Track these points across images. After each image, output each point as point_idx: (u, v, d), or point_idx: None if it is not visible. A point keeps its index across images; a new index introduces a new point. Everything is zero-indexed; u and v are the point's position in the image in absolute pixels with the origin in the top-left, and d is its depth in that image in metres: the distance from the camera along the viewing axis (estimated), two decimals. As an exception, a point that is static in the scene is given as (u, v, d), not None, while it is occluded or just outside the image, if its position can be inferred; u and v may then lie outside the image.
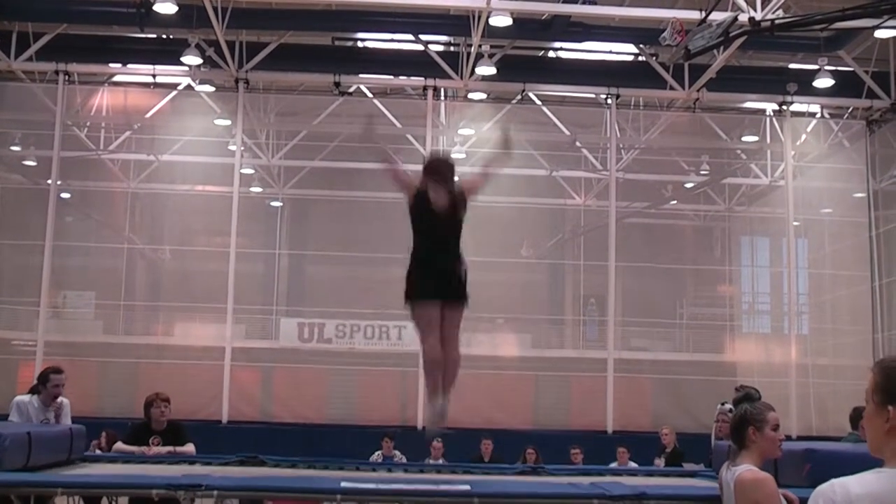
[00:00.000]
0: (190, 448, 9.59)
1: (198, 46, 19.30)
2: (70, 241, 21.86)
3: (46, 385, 9.10)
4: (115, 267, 22.74)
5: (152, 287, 24.29)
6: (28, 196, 22.46)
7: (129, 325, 23.06)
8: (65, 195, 22.17)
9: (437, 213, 7.49)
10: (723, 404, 10.13)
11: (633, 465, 15.59)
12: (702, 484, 7.82)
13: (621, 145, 22.73)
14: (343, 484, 6.58)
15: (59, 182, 20.89)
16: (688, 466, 13.17)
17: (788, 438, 5.98)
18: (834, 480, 2.77)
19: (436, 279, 7.45)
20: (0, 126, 22.50)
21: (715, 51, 16.91)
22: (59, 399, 9.26)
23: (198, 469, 8.24)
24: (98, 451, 12.75)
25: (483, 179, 8.07)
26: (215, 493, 6.16)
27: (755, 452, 5.37)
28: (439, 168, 7.75)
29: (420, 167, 7.85)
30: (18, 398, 9.13)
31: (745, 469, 5.27)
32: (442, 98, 21.87)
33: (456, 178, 7.84)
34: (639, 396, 21.50)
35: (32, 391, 9.20)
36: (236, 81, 20.46)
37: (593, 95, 21.85)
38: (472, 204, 7.81)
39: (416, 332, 7.66)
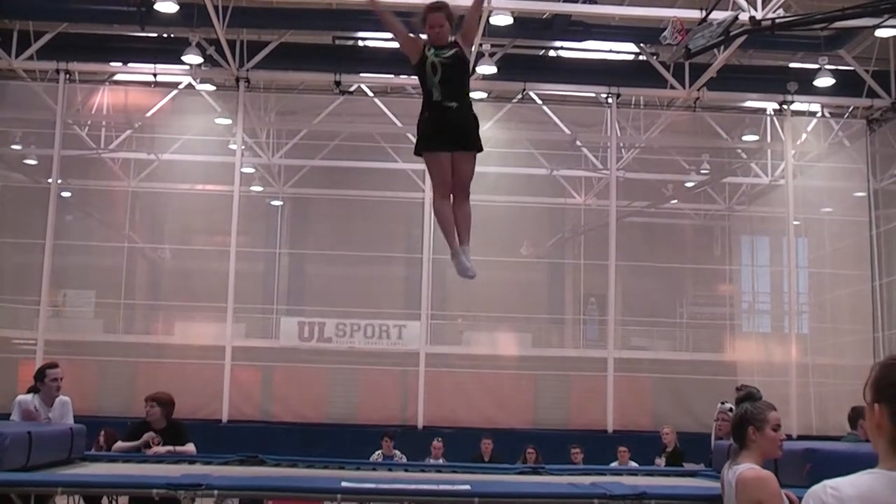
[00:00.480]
0: (190, 448, 9.58)
1: (198, 45, 19.29)
2: (70, 239, 21.87)
3: (45, 381, 9.09)
4: (115, 266, 22.72)
5: (152, 286, 24.28)
6: (29, 195, 22.46)
7: (130, 324, 23.07)
8: (65, 194, 22.17)
9: (439, 64, 7.65)
10: (723, 403, 10.13)
11: (633, 464, 15.59)
12: (703, 483, 7.82)
13: (622, 144, 22.72)
14: (343, 483, 6.58)
15: (59, 181, 20.90)
16: (688, 466, 13.18)
17: (789, 438, 5.97)
18: (826, 482, 2.77)
19: (443, 129, 7.68)
20: (1, 125, 22.52)
21: (715, 50, 16.92)
22: (61, 398, 9.25)
23: (198, 468, 8.24)
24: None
25: (475, 14, 8.20)
26: (216, 492, 6.16)
27: (756, 452, 5.37)
28: (435, 14, 7.74)
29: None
30: (20, 397, 9.13)
31: (747, 468, 5.26)
32: (442, 97, 21.80)
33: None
34: (639, 396, 21.51)
35: (32, 390, 9.20)
36: (237, 80, 20.46)
37: (594, 94, 21.84)
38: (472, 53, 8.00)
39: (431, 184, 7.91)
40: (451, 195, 7.93)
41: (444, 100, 7.64)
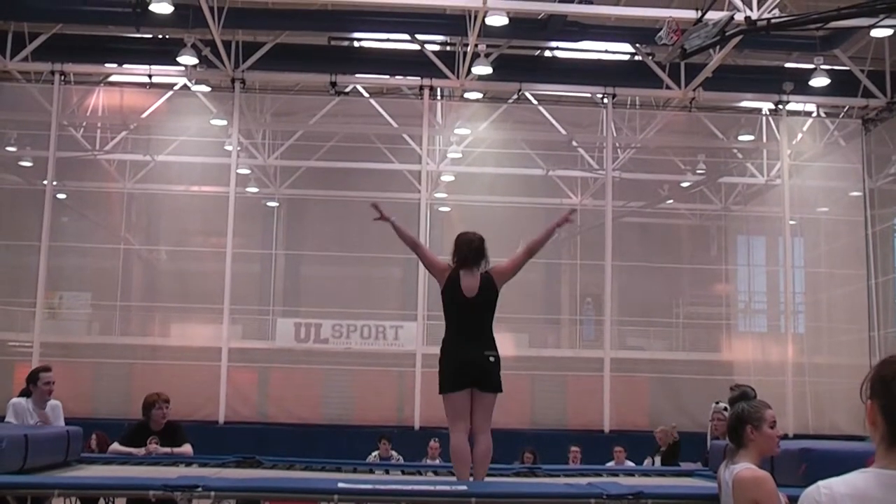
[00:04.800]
0: (187, 449, 9.57)
1: (194, 46, 19.27)
2: (66, 241, 21.84)
3: (37, 384, 9.07)
4: (111, 268, 22.71)
5: (148, 288, 24.25)
6: (24, 196, 22.44)
7: (126, 326, 23.03)
8: (60, 196, 22.15)
9: (467, 299, 7.49)
10: (717, 403, 10.14)
11: (630, 463, 15.61)
12: (699, 483, 7.83)
13: (617, 144, 22.73)
14: (340, 485, 6.58)
15: (54, 182, 20.88)
16: (684, 465, 13.19)
17: (785, 437, 5.98)
18: (820, 482, 2.79)
19: (466, 368, 7.38)
20: (-4, 126, 22.51)
21: (711, 50, 16.93)
22: (52, 401, 9.23)
23: (195, 470, 8.23)
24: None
25: (517, 264, 8.00)
26: (212, 494, 6.15)
27: (753, 451, 5.37)
28: (469, 253, 7.70)
29: (445, 252, 7.82)
30: (14, 400, 9.12)
31: (744, 468, 5.26)
32: (438, 97, 21.88)
33: (487, 261, 7.81)
34: (636, 395, 21.51)
35: (24, 393, 9.18)
36: (232, 81, 20.46)
37: (589, 95, 21.87)
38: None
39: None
40: (470, 431, 7.55)
41: (468, 338, 7.50)
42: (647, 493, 6.39)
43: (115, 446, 9.75)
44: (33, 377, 9.12)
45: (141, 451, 9.39)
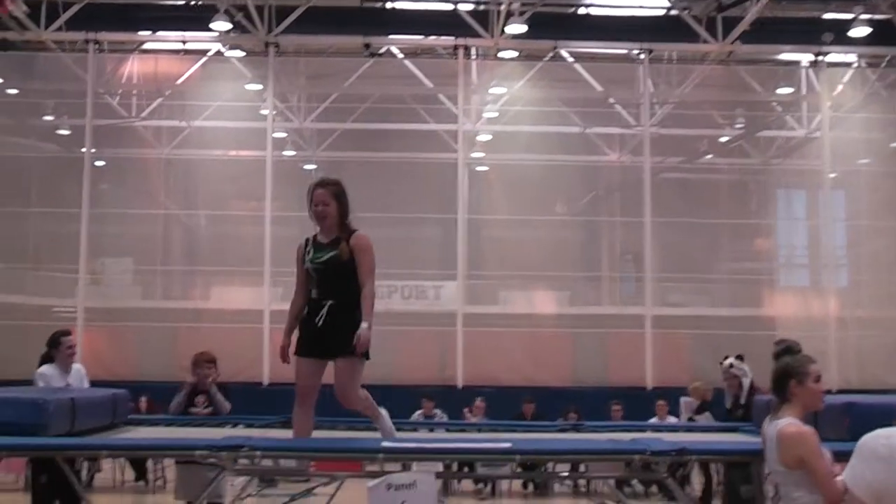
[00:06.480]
0: (226, 405, 9.64)
1: (227, 12, 19.28)
2: (106, 208, 21.98)
3: (59, 348, 9.04)
4: (151, 233, 22.86)
5: (189, 252, 24.35)
6: (63, 165, 22.60)
7: (168, 290, 23.22)
8: (99, 163, 22.29)
9: (313, 270, 7.08)
10: (724, 360, 10.10)
11: (672, 419, 15.63)
12: (743, 439, 7.81)
13: (655, 100, 22.56)
14: (384, 443, 6.61)
15: (92, 150, 21.02)
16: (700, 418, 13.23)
17: (828, 392, 5.93)
18: (879, 431, 2.74)
19: (312, 333, 7.09)
20: (32, 96, 22.65)
21: (748, 2, 16.74)
22: (76, 365, 9.19)
23: (240, 431, 8.31)
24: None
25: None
26: (258, 453, 6.20)
27: (798, 405, 5.34)
28: (319, 190, 7.10)
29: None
30: (40, 370, 9.03)
31: (788, 423, 5.23)
32: (473, 57, 21.77)
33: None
34: (677, 352, 21.43)
35: (46, 359, 9.12)
36: (266, 46, 20.46)
37: (626, 51, 21.69)
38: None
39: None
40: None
41: (321, 298, 7.02)
42: (690, 448, 6.38)
43: (173, 405, 9.74)
44: (54, 341, 9.04)
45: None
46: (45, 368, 9.04)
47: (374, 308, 7.16)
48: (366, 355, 7.11)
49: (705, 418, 13.24)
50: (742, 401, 9.81)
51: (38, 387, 8.78)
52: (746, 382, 9.87)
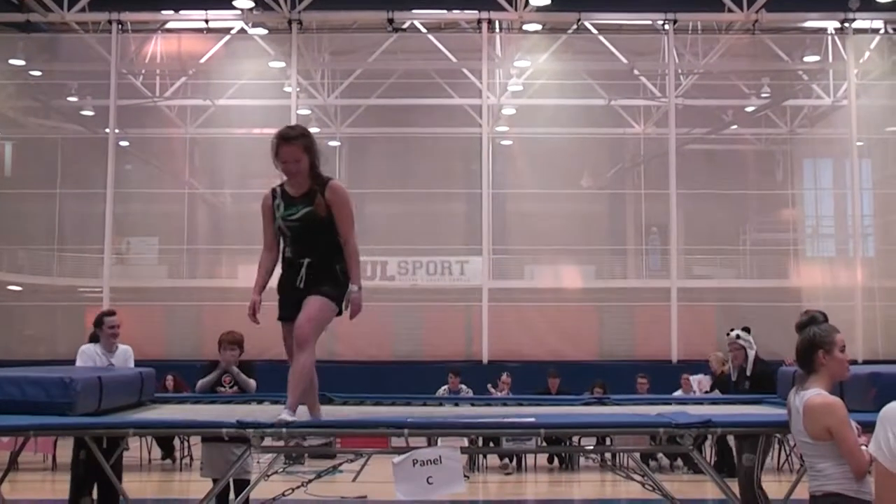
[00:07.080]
0: (252, 383, 9.68)
1: (249, -11, 19.27)
2: (131, 188, 22.08)
3: (102, 328, 9.15)
4: (176, 212, 22.92)
5: (214, 230, 24.42)
6: (87, 145, 22.70)
7: (193, 269, 23.28)
8: (123, 143, 22.38)
9: (286, 228, 6.73)
10: (729, 332, 10.07)
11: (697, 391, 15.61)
12: (768, 411, 7.77)
13: (680, 71, 22.44)
14: (410, 419, 6.61)
15: (117, 130, 21.09)
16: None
17: (854, 363, 5.90)
18: None
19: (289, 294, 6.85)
20: (56, 77, 22.75)
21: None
22: (123, 346, 9.30)
23: (266, 408, 8.32)
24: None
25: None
26: (283, 430, 6.21)
27: (825, 376, 5.29)
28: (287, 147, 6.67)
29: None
30: (83, 347, 9.19)
31: (815, 393, 5.19)
32: (496, 31, 21.69)
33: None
34: (703, 324, 21.35)
35: (93, 338, 9.26)
36: (289, 23, 20.46)
37: (650, 22, 21.56)
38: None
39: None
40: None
41: (297, 257, 6.67)
42: (716, 421, 6.35)
43: (200, 383, 9.79)
44: (98, 321, 9.18)
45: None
46: (86, 347, 9.14)
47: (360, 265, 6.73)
48: (340, 311, 6.68)
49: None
50: (748, 372, 9.79)
51: (75, 365, 8.88)
52: (752, 354, 9.84)
